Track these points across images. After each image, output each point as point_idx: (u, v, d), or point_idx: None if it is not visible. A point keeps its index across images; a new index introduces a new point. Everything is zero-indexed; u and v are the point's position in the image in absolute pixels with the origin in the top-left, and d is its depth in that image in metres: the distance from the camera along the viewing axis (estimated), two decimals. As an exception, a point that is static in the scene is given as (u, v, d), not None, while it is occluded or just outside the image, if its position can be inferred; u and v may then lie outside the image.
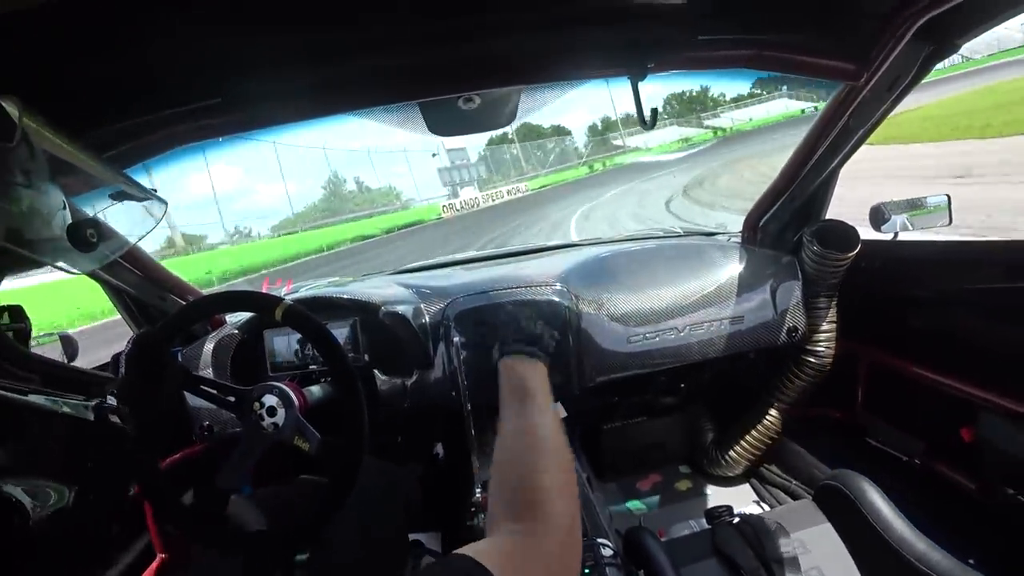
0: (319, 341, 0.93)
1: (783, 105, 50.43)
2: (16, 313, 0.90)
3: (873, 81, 1.00)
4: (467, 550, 0.52)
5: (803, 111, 43.29)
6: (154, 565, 1.41)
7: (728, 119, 50.27)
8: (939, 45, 0.99)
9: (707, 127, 48.96)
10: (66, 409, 0.77)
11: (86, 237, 0.69)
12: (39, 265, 0.73)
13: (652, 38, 0.95)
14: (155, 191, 0.90)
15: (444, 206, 32.91)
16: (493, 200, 34.56)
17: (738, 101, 55.47)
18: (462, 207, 32.97)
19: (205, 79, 0.85)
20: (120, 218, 0.90)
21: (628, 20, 0.90)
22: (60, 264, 0.74)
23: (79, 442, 0.70)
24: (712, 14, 0.92)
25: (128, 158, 0.95)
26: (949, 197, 1.47)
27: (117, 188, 0.83)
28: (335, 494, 0.93)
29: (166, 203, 0.92)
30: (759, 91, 55.79)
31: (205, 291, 1.62)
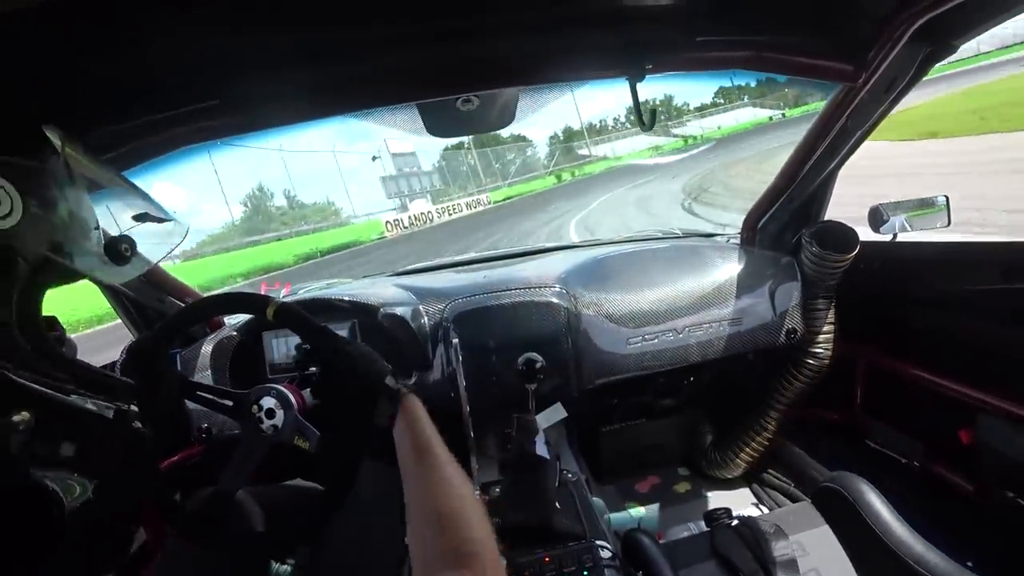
0: (314, 335, 0.93)
1: (751, 113, 50.01)
2: (52, 323, 0.94)
3: (871, 82, 1.00)
4: None
5: (771, 118, 43.91)
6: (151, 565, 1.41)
7: (696, 127, 49.18)
8: (937, 46, 1.00)
9: (676, 135, 47.67)
10: (93, 408, 0.81)
11: (121, 252, 0.78)
12: (77, 276, 0.80)
13: (650, 40, 0.95)
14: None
15: (388, 222, 25.91)
16: (451, 214, 28.71)
17: (703, 110, 54.83)
18: (412, 223, 26.28)
19: (204, 80, 0.85)
20: (145, 237, 0.94)
21: (627, 22, 0.90)
22: (96, 275, 0.83)
23: (106, 440, 0.73)
24: (710, 16, 0.93)
25: (128, 159, 0.96)
26: (947, 198, 1.47)
27: (143, 209, 0.89)
28: (335, 491, 0.93)
29: (187, 226, 0.97)
30: (722, 100, 55.70)
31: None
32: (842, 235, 1.49)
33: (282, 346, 1.47)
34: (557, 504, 1.19)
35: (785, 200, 1.57)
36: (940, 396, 1.33)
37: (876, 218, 1.49)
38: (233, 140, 1.05)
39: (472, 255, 2.24)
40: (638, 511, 1.96)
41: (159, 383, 0.96)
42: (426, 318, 1.47)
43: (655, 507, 1.82)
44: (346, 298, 1.48)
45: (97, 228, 0.77)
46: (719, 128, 45.88)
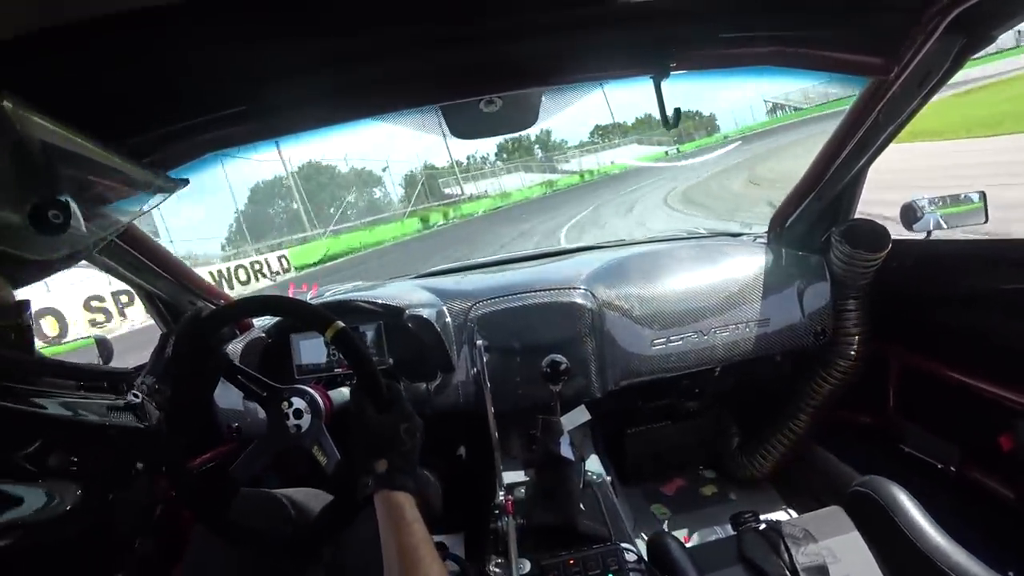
0: (362, 372, 0.93)
1: (638, 151, 47.80)
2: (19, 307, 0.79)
3: (904, 76, 0.98)
4: None
5: (666, 153, 42.51)
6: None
7: (576, 164, 44.96)
8: (973, 37, 0.96)
9: (564, 171, 43.32)
10: (87, 414, 0.78)
11: (49, 219, 0.61)
12: (16, 260, 0.69)
13: (674, 37, 0.94)
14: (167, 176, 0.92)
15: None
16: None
17: (585, 146, 51.97)
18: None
19: (230, 88, 0.87)
20: (117, 198, 0.90)
21: (649, 20, 0.89)
22: (26, 252, 0.69)
23: (106, 441, 0.72)
24: (734, 11, 0.91)
25: (157, 167, 0.98)
26: (984, 194, 1.42)
27: (116, 170, 0.80)
28: (340, 514, 0.93)
29: (185, 181, 0.95)
30: (599, 141, 54.27)
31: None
32: (873, 233, 1.45)
33: (310, 349, 1.50)
34: (582, 506, 1.18)
35: (813, 198, 1.53)
36: (978, 399, 1.29)
37: (909, 215, 1.45)
38: (259, 146, 1.07)
39: (496, 257, 2.25)
40: (664, 513, 1.94)
41: (207, 359, 0.99)
42: (450, 319, 1.48)
43: (681, 509, 1.80)
44: (372, 300, 1.50)
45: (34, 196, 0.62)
46: (612, 163, 42.92)
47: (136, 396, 0.88)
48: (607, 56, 0.98)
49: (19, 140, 0.58)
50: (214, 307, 1.15)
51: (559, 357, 1.37)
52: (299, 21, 0.71)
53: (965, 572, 0.93)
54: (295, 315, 1.11)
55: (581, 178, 38.08)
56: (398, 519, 0.78)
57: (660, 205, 14.24)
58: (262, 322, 1.63)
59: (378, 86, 0.95)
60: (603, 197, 20.11)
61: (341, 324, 0.92)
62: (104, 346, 1.38)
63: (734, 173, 17.54)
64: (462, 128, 1.20)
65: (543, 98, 1.14)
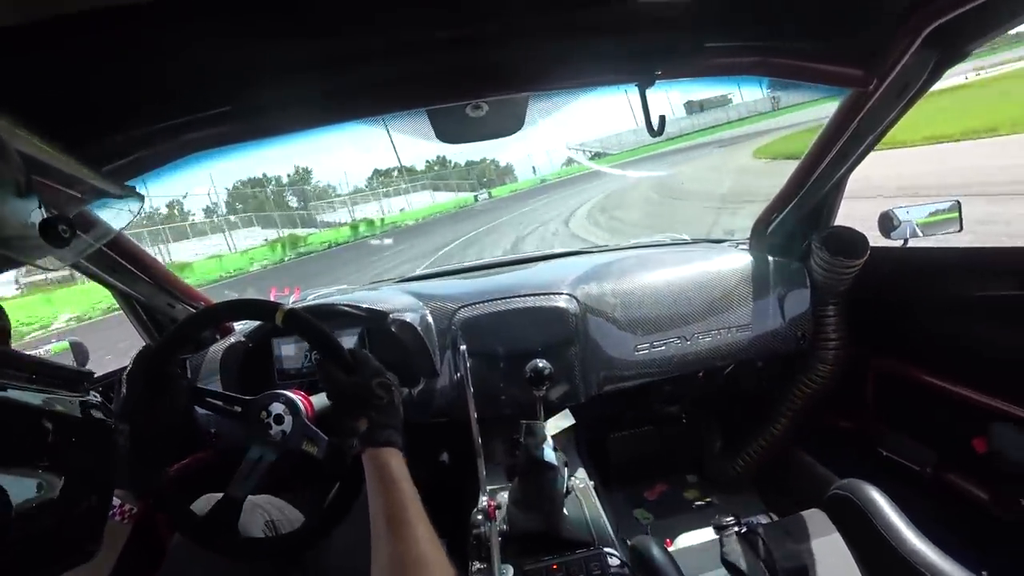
0: (321, 344, 0.94)
1: (442, 196, 43.30)
2: None
3: (883, 88, 1.00)
4: None
5: (475, 198, 37.96)
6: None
7: (345, 214, 36.23)
8: (948, 52, 0.99)
9: (324, 223, 33.93)
10: (45, 403, 0.77)
11: (59, 233, 0.67)
12: (15, 264, 0.73)
13: (659, 46, 0.95)
14: (133, 188, 0.92)
15: None
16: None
17: (359, 194, 44.90)
18: None
19: (216, 88, 0.86)
20: (95, 214, 0.92)
21: (636, 28, 0.90)
22: (37, 262, 0.75)
23: (63, 436, 0.70)
24: (720, 21, 0.92)
25: (141, 166, 0.96)
26: (959, 203, 1.46)
27: (91, 185, 0.82)
28: (344, 495, 0.93)
29: (142, 198, 0.93)
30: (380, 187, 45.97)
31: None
32: (852, 241, 1.48)
33: (291, 352, 1.48)
34: (565, 511, 1.18)
35: (795, 206, 1.56)
36: (954, 403, 1.31)
37: (887, 223, 1.48)
38: (245, 147, 1.06)
39: (480, 261, 2.25)
40: (646, 517, 1.95)
41: (166, 390, 0.96)
42: (434, 324, 1.47)
43: (663, 513, 1.81)
44: (355, 305, 1.49)
45: (38, 209, 0.67)
46: (402, 211, 37.20)
47: (96, 397, 0.85)
48: (594, 63, 0.98)
49: (19, 156, 0.62)
50: (160, 338, 1.10)
51: (542, 362, 1.37)
52: (287, 22, 0.70)
53: (941, 572, 0.95)
54: (241, 312, 1.10)
55: (353, 231, 29.25)
56: (384, 478, 0.77)
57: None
58: (242, 326, 1.61)
59: (365, 89, 0.94)
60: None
61: (288, 306, 0.92)
62: (79, 350, 1.35)
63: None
64: (448, 132, 1.19)
65: (529, 104, 1.14)
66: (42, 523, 0.60)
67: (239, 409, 1.02)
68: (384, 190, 43.44)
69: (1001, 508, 1.23)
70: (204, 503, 1.06)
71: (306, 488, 1.43)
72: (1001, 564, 1.15)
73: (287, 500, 1.26)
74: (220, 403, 1.03)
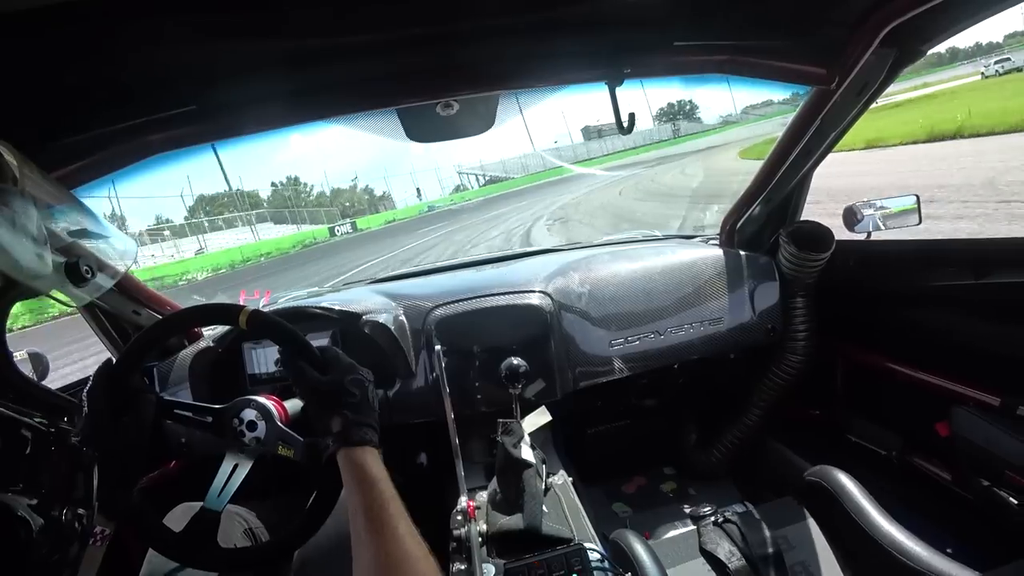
0: (289, 344, 0.92)
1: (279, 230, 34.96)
2: None
3: (844, 86, 1.03)
4: None
5: (332, 232, 32.65)
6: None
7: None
8: (904, 51, 1.03)
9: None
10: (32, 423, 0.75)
11: (83, 273, 0.76)
12: (37, 294, 0.79)
13: (629, 44, 0.96)
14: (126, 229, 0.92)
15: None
16: None
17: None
18: None
19: (179, 87, 0.84)
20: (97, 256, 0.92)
21: (605, 26, 0.91)
22: (58, 296, 0.80)
23: (44, 459, 0.68)
24: (687, 20, 0.94)
25: (101, 166, 0.93)
26: (918, 197, 1.51)
27: (93, 228, 0.86)
28: (323, 497, 0.92)
29: (136, 245, 0.95)
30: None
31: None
32: (818, 234, 1.52)
33: (262, 357, 1.45)
34: (544, 508, 1.19)
35: (762, 201, 1.59)
36: (917, 389, 1.36)
37: (850, 217, 1.53)
38: (209, 148, 1.04)
39: (453, 261, 2.23)
40: (625, 511, 1.97)
41: (131, 406, 0.93)
42: (408, 324, 1.46)
43: (641, 506, 1.83)
44: (327, 307, 1.47)
45: (48, 248, 0.74)
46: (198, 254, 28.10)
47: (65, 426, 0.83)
48: (563, 62, 0.99)
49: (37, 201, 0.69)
50: (121, 352, 1.06)
51: (517, 360, 1.37)
52: (253, 19, 0.69)
53: (908, 551, 0.98)
54: (203, 318, 1.07)
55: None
56: (361, 478, 0.76)
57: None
58: (212, 331, 1.57)
59: (333, 89, 0.93)
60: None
61: (251, 308, 0.90)
62: (39, 361, 1.30)
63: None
64: (418, 131, 1.18)
65: (500, 102, 1.14)
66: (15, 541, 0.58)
67: (210, 419, 0.99)
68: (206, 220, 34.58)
69: (963, 488, 1.28)
70: (180, 513, 1.03)
71: (285, 493, 1.40)
72: (965, 540, 1.19)
73: (266, 506, 1.24)
74: (190, 414, 1.00)
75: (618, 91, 1.04)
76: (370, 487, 0.74)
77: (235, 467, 0.96)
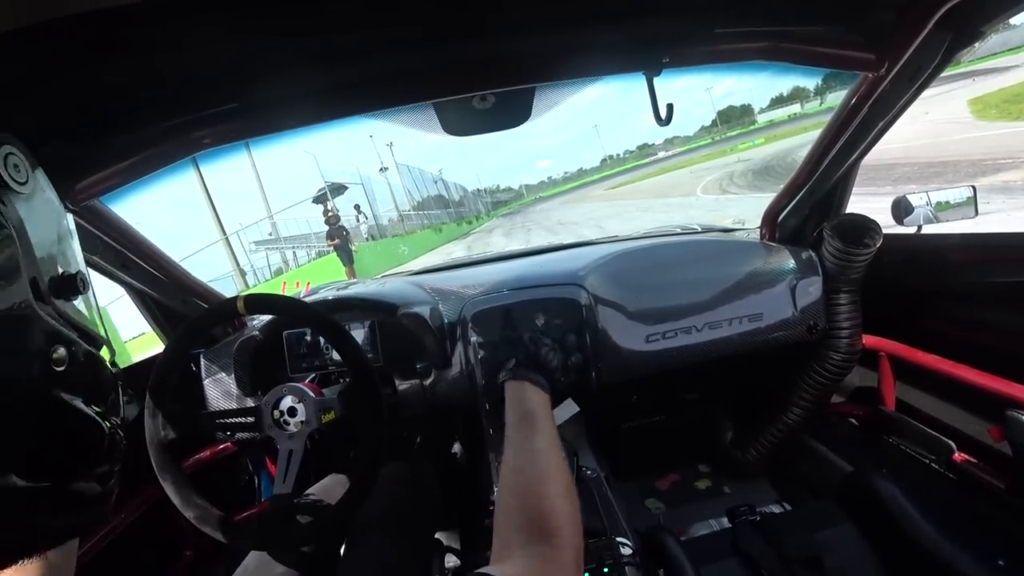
0: (292, 315, 0.95)
1: None
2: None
3: (894, 71, 0.98)
4: (491, 571, 0.53)
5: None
6: (184, 563, 1.44)
7: None
8: (961, 33, 0.97)
9: None
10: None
11: (77, 287, 0.70)
12: None
13: (667, 33, 0.94)
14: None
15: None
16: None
17: None
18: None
19: (221, 85, 0.86)
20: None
21: (642, 15, 0.89)
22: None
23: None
24: (728, 6, 0.91)
25: (147, 165, 0.97)
26: (975, 188, 1.43)
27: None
28: (370, 451, 0.96)
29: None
30: None
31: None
32: (864, 228, 1.46)
33: (303, 343, 1.49)
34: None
35: (805, 194, 1.54)
36: (968, 392, 1.30)
37: (900, 210, 1.46)
38: (253, 142, 1.06)
39: (489, 253, 2.25)
40: (658, 507, 1.95)
41: (177, 429, 0.99)
42: (445, 316, 1.47)
43: (675, 503, 1.81)
44: (365, 297, 1.49)
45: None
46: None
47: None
48: (600, 53, 0.97)
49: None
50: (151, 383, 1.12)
51: (552, 352, 1.37)
52: (289, 16, 0.70)
53: (956, 562, 0.94)
54: (207, 323, 1.11)
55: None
56: (528, 413, 0.88)
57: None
58: (254, 320, 1.62)
59: (370, 84, 0.94)
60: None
61: (246, 294, 0.93)
62: None
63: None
64: (455, 125, 1.19)
65: (536, 94, 1.13)
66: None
67: (252, 420, 1.04)
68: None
69: (1017, 496, 1.22)
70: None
71: (343, 460, 1.45)
72: (1017, 552, 1.14)
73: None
74: (233, 420, 1.06)
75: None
76: (535, 428, 0.86)
77: (290, 453, 1.00)
